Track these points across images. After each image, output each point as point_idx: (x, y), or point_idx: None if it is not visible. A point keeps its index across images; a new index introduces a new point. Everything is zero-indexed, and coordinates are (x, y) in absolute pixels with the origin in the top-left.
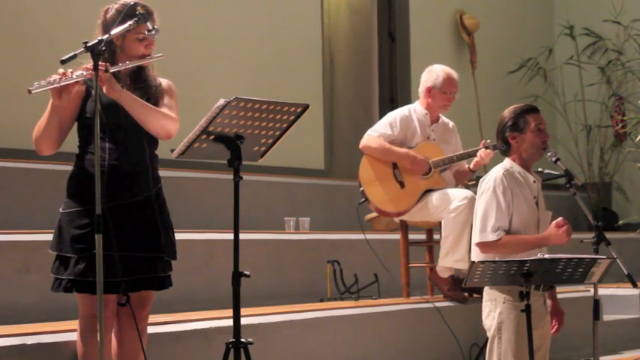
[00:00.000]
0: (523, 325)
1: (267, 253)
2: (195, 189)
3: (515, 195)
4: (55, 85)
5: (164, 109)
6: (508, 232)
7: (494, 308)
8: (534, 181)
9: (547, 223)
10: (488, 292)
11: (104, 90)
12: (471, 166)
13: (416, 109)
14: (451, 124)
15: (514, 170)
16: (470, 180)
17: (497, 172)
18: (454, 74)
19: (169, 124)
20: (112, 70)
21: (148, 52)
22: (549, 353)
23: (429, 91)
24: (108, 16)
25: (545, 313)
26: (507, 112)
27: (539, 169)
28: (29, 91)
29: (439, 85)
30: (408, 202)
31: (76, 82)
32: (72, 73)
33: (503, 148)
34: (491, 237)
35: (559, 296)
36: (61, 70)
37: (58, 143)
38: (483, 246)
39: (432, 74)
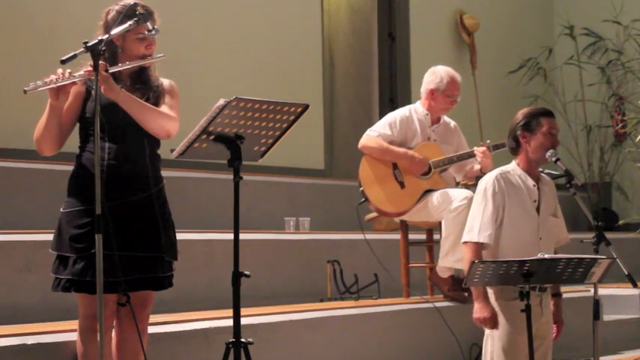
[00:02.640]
0: (513, 321)
1: (267, 253)
2: (195, 189)
3: (509, 198)
4: (50, 86)
5: (164, 108)
6: (498, 235)
7: None
8: (534, 185)
9: (551, 229)
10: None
11: (102, 90)
12: (478, 168)
13: (417, 110)
14: (453, 123)
15: (514, 173)
16: (470, 180)
17: (491, 174)
18: (458, 77)
19: (168, 123)
20: (111, 71)
21: (148, 53)
22: (552, 355)
23: (432, 93)
24: (109, 17)
25: (541, 313)
26: (521, 113)
27: (539, 170)
28: (24, 91)
29: (443, 88)
30: (408, 203)
31: (73, 83)
32: (69, 73)
33: (512, 146)
34: (475, 238)
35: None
36: (59, 71)
37: (59, 144)
38: (466, 245)
39: (436, 76)
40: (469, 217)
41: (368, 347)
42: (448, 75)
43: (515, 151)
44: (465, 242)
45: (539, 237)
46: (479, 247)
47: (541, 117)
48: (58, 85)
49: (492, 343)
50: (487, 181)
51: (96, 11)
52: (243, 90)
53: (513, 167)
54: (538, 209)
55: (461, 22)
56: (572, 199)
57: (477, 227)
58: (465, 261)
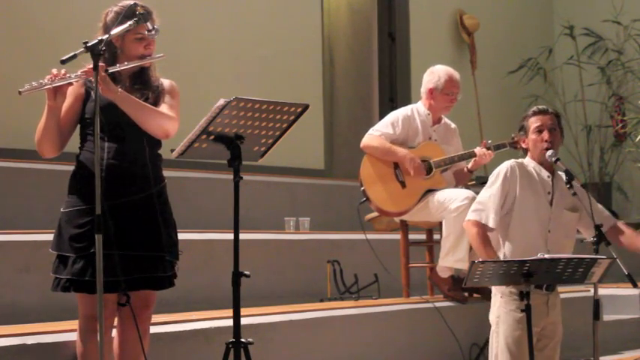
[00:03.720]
0: (518, 319)
1: (267, 253)
2: (195, 189)
3: (521, 185)
4: (46, 87)
5: (163, 108)
6: (507, 222)
7: (495, 302)
8: (548, 177)
9: (567, 223)
10: (493, 287)
11: (100, 90)
12: (469, 165)
13: (418, 110)
14: (453, 125)
15: (529, 165)
16: (470, 180)
17: (508, 162)
18: (456, 75)
19: (167, 123)
20: (110, 71)
21: (148, 53)
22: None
23: (431, 92)
24: (108, 18)
25: (547, 313)
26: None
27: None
28: (19, 92)
29: (441, 87)
30: (409, 202)
31: (70, 84)
32: (65, 73)
33: (522, 151)
34: (471, 215)
35: (560, 296)
36: (54, 71)
37: (60, 145)
38: (468, 222)
39: (434, 75)
40: (478, 196)
41: (368, 347)
42: (446, 73)
43: (525, 153)
44: (467, 220)
45: (547, 229)
46: (472, 225)
47: (530, 118)
48: (54, 85)
49: (497, 340)
50: (501, 167)
51: (96, 12)
52: (243, 90)
53: (528, 161)
54: (552, 202)
55: (461, 22)
56: None
57: (478, 207)
58: (470, 237)
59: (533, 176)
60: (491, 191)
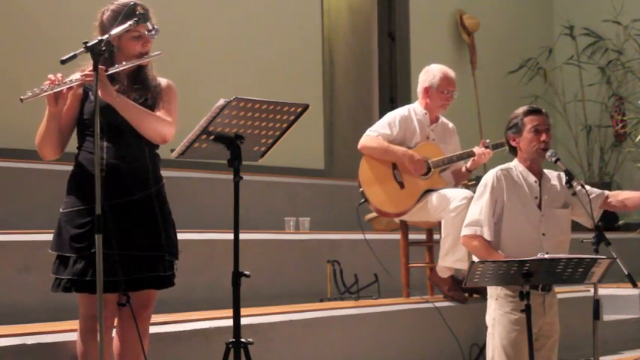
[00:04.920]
0: (513, 321)
1: (267, 253)
2: (195, 189)
3: (508, 194)
4: (48, 92)
5: (160, 112)
6: (498, 230)
7: (490, 305)
8: (535, 182)
9: (559, 221)
10: (488, 289)
11: (99, 93)
12: (468, 165)
13: (415, 109)
14: (451, 125)
15: (517, 170)
16: (469, 180)
17: (493, 170)
18: (451, 73)
19: (164, 128)
20: (110, 72)
21: (145, 51)
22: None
23: (427, 91)
24: (104, 17)
25: (544, 313)
26: (511, 115)
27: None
28: (21, 100)
29: (436, 85)
30: (408, 203)
31: (70, 88)
32: (62, 78)
33: (509, 150)
34: (465, 231)
35: (560, 296)
36: (51, 76)
37: (61, 147)
38: (465, 237)
39: (429, 74)
40: (468, 211)
41: (368, 347)
42: (441, 72)
43: (513, 152)
44: (461, 236)
45: (541, 233)
46: (466, 240)
47: (524, 117)
48: (55, 91)
49: (493, 342)
50: (487, 177)
51: (97, 12)
52: (243, 90)
53: (515, 164)
54: (540, 205)
55: (461, 22)
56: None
57: (469, 221)
58: (472, 250)
59: (519, 183)
60: (481, 203)
